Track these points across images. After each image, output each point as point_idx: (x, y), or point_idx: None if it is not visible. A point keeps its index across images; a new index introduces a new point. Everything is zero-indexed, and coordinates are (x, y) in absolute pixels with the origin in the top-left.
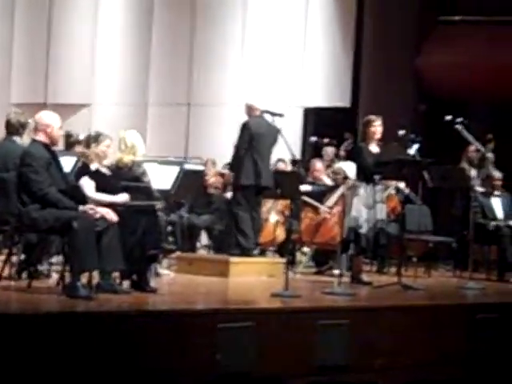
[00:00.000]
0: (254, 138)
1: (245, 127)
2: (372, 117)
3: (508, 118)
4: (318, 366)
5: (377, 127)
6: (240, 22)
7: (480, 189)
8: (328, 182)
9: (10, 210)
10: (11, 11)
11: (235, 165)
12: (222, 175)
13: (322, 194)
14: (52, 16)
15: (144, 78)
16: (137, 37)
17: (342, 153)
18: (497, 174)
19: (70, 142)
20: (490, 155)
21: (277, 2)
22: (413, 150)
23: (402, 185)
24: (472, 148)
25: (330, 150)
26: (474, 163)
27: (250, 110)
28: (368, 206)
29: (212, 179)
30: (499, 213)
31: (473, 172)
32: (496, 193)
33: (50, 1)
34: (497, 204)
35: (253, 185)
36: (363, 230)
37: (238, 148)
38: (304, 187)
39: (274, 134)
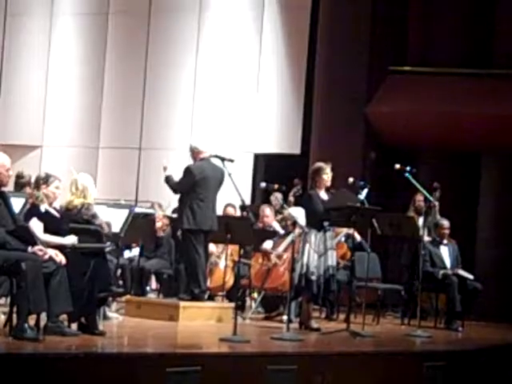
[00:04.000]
0: (196, 183)
1: (187, 172)
2: (321, 164)
3: (455, 167)
4: None
5: (326, 174)
6: (192, 68)
7: (427, 238)
8: (278, 228)
9: None
10: None
11: (178, 208)
12: (169, 219)
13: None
14: (4, 58)
15: (95, 121)
16: (89, 79)
17: (291, 198)
18: (445, 223)
19: (21, 183)
20: (436, 203)
21: (229, 48)
22: (362, 195)
23: (354, 232)
24: (419, 197)
25: (278, 196)
26: (421, 212)
27: (194, 152)
28: (319, 253)
29: (159, 223)
30: (447, 261)
31: (420, 220)
32: (444, 241)
33: (2, 42)
34: (445, 252)
35: (193, 229)
36: (314, 277)
37: (178, 192)
38: (267, 244)
39: (219, 177)
